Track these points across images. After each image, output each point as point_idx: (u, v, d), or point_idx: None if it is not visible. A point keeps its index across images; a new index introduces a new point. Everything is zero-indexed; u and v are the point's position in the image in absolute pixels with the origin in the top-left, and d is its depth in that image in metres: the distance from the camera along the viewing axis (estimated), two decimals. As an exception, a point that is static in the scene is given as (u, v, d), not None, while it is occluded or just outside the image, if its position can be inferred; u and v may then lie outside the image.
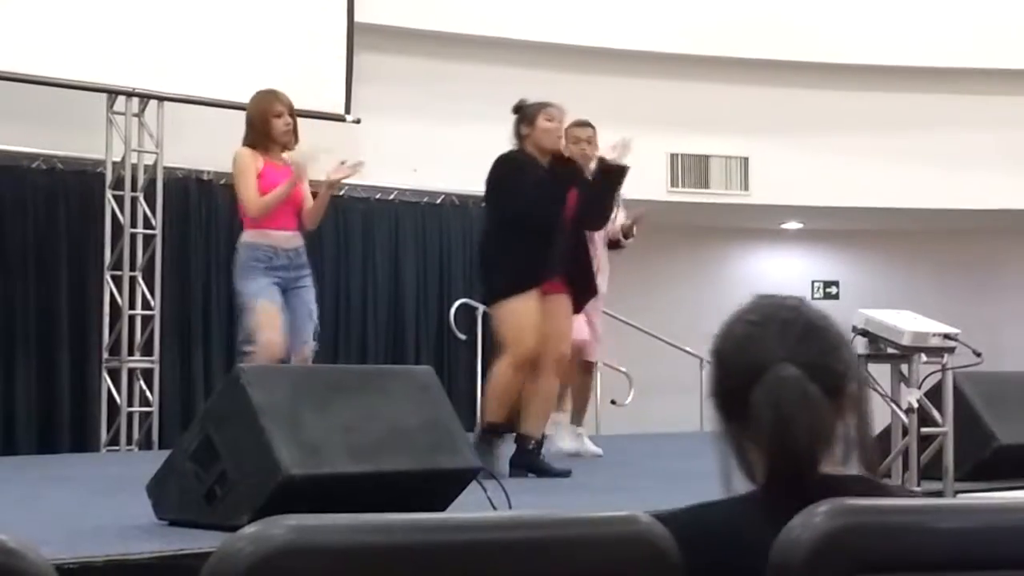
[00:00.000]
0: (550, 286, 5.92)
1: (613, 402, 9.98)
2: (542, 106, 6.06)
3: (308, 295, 6.25)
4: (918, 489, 4.97)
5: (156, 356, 8.70)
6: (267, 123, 6.19)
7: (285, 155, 6.31)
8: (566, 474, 5.85)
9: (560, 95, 10.69)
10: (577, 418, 7.50)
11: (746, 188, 11.93)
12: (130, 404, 8.61)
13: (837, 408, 1.77)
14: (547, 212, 5.85)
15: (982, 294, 13.37)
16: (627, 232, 7.33)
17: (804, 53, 11.56)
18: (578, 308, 6.16)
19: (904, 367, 5.15)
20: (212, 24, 9.01)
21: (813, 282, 13.72)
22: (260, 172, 6.19)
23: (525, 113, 6.04)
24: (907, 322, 5.12)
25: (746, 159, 11.88)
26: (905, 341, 5.01)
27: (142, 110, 8.79)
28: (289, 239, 6.22)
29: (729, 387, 1.80)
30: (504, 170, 5.95)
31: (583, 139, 6.79)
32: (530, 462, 5.83)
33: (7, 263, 8.70)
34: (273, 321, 6.05)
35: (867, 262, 13.70)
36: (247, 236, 6.20)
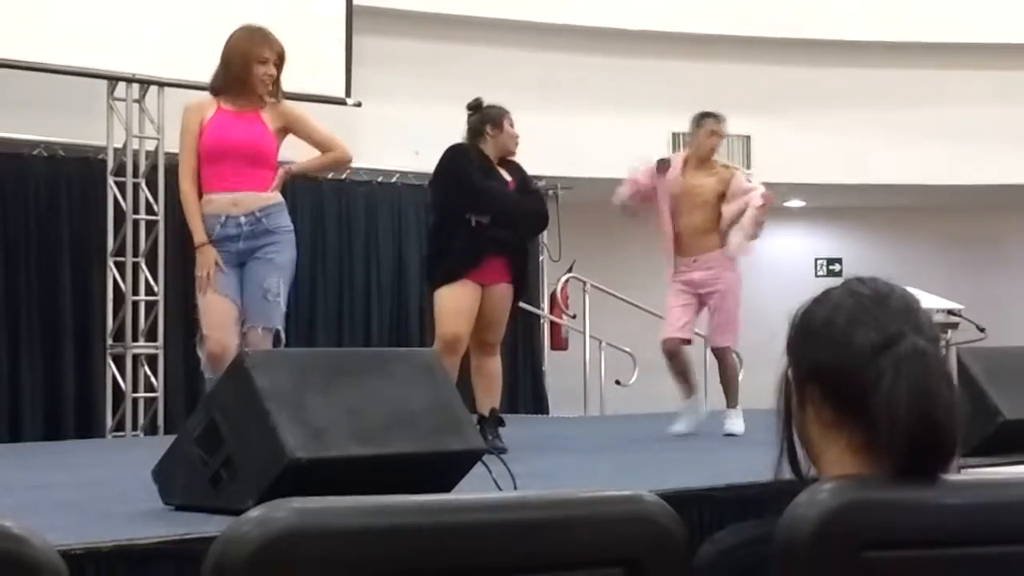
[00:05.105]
0: (494, 276, 6.07)
1: (618, 382, 9.99)
2: (505, 111, 6.22)
3: (263, 269, 5.08)
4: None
5: (160, 342, 8.71)
6: (248, 66, 5.07)
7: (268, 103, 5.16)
8: (503, 451, 5.79)
9: (562, 75, 10.79)
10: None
11: (748, 167, 11.90)
12: (135, 390, 8.62)
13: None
14: (494, 205, 6.00)
15: (986, 270, 13.35)
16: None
17: (805, 31, 11.53)
18: (515, 298, 6.30)
19: (908, 343, 5.13)
20: (211, 8, 8.99)
21: (816, 260, 13.70)
22: (206, 123, 5.19)
23: (491, 115, 6.19)
24: (911, 299, 5.11)
25: (748, 138, 11.86)
26: (909, 317, 5.00)
27: (143, 96, 8.79)
28: (244, 200, 5.11)
29: (833, 364, 1.63)
30: (457, 161, 6.07)
31: (718, 133, 7.35)
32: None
33: (9, 251, 8.70)
34: (221, 319, 5.05)
35: (870, 239, 13.68)
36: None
